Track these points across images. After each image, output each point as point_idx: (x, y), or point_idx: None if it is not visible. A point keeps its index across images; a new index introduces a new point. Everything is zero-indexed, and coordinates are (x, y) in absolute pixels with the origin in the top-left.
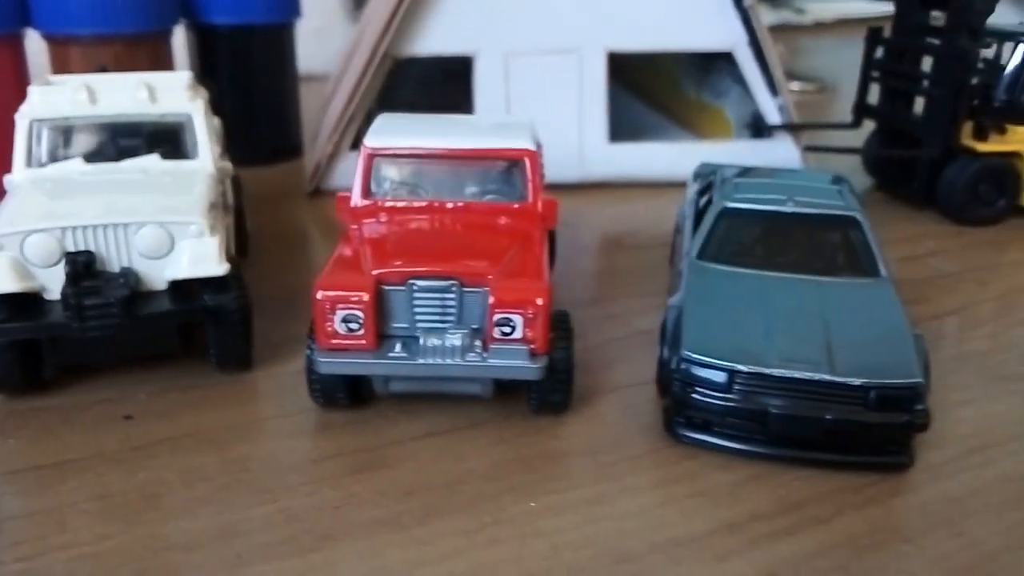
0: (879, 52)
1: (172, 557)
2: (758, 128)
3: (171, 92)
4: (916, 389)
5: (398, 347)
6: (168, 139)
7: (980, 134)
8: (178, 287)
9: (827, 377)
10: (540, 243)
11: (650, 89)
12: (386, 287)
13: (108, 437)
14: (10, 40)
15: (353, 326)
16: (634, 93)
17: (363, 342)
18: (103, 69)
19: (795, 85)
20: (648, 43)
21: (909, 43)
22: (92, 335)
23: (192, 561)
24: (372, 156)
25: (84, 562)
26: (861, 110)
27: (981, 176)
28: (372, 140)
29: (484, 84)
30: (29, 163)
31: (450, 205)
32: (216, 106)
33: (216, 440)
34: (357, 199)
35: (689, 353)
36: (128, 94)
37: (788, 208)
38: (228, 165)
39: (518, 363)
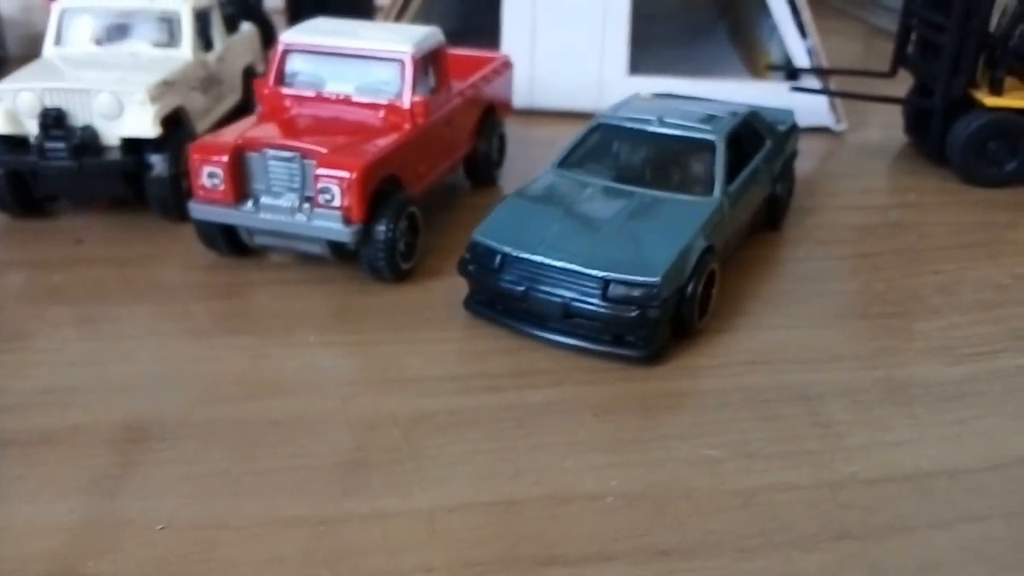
0: None
1: (39, 325)
2: (791, 71)
3: None
4: (651, 287)
5: (250, 204)
6: (163, 29)
7: (995, 87)
8: (128, 143)
9: (573, 266)
10: (403, 134)
11: (739, 27)
12: (248, 153)
13: (56, 251)
14: None
15: (216, 181)
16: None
17: (222, 195)
18: None
19: None
20: None
21: None
22: (51, 172)
23: (37, 330)
24: (283, 50)
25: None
26: (899, 59)
27: (989, 133)
28: (286, 36)
29: (511, 9)
30: (56, 42)
31: (333, 97)
32: (254, 13)
33: (129, 263)
34: (268, 84)
35: (477, 236)
36: None
37: (651, 128)
38: (213, 55)
39: (333, 226)
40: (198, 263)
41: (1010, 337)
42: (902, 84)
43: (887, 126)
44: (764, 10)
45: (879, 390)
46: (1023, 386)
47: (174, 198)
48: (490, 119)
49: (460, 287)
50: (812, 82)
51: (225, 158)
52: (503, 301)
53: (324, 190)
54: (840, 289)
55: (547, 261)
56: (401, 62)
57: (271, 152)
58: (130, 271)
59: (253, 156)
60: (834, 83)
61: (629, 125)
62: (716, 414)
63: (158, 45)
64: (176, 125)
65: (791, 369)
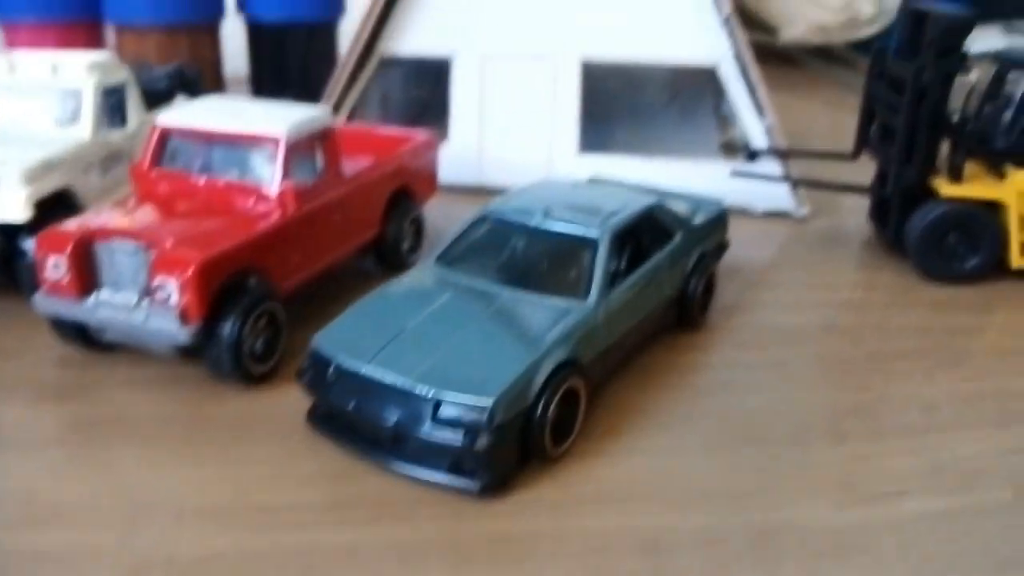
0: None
1: None
2: (750, 152)
3: (72, 70)
4: (482, 410)
5: (92, 299)
6: (64, 106)
7: (954, 174)
8: (3, 228)
9: (403, 382)
10: (268, 224)
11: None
12: (97, 244)
13: None
14: (89, 26)
15: (60, 272)
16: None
17: (66, 288)
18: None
19: None
20: (625, 54)
21: (892, 66)
22: None
23: None
24: (159, 131)
25: None
26: (862, 141)
27: (947, 224)
28: (162, 117)
29: (460, 86)
30: None
31: (201, 181)
32: (192, 87)
33: None
34: (142, 166)
35: (315, 342)
36: (37, 68)
37: (533, 222)
38: (117, 135)
39: (167, 326)
40: (54, 358)
41: (925, 473)
42: (868, 166)
43: (853, 212)
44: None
45: (743, 540)
46: (923, 541)
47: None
48: (402, 202)
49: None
50: (771, 164)
51: (68, 248)
52: (340, 418)
53: (160, 286)
54: (741, 406)
55: (376, 375)
56: (274, 145)
57: (116, 243)
58: None
59: (100, 246)
60: (797, 166)
61: (512, 218)
62: (542, 566)
63: (58, 122)
64: (62, 207)
65: (649, 510)
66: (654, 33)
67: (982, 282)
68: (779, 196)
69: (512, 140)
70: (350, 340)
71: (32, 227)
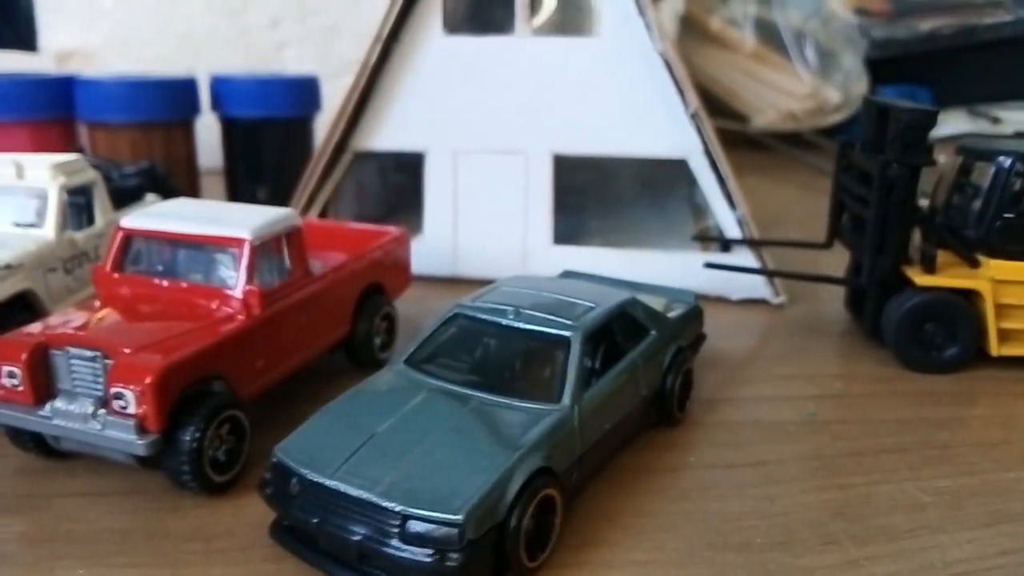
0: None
1: None
2: (725, 242)
3: (36, 170)
4: (452, 525)
5: (48, 407)
6: (28, 206)
7: (927, 264)
8: None
9: (367, 496)
10: (232, 327)
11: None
12: (53, 351)
13: None
14: (61, 123)
15: (15, 381)
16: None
17: (21, 397)
18: (79, 150)
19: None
20: (595, 147)
21: (858, 159)
22: None
23: None
24: (122, 234)
25: None
26: (833, 231)
27: (923, 314)
28: (126, 220)
29: (433, 180)
30: None
31: (164, 284)
32: (162, 185)
33: None
34: (104, 269)
35: (277, 452)
36: (2, 169)
37: (505, 321)
38: (83, 235)
39: (124, 436)
40: (10, 467)
41: None
42: (841, 256)
43: (830, 299)
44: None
45: None
46: None
47: None
48: (374, 298)
49: None
50: (746, 254)
51: (23, 357)
52: (304, 532)
53: (118, 395)
54: (723, 510)
55: (341, 488)
56: (238, 248)
57: (72, 350)
58: None
59: (57, 354)
60: (772, 254)
61: (483, 316)
62: None
63: (22, 222)
64: (22, 309)
65: None
66: (624, 126)
67: (963, 371)
68: (755, 284)
69: (486, 232)
70: (314, 450)
71: None
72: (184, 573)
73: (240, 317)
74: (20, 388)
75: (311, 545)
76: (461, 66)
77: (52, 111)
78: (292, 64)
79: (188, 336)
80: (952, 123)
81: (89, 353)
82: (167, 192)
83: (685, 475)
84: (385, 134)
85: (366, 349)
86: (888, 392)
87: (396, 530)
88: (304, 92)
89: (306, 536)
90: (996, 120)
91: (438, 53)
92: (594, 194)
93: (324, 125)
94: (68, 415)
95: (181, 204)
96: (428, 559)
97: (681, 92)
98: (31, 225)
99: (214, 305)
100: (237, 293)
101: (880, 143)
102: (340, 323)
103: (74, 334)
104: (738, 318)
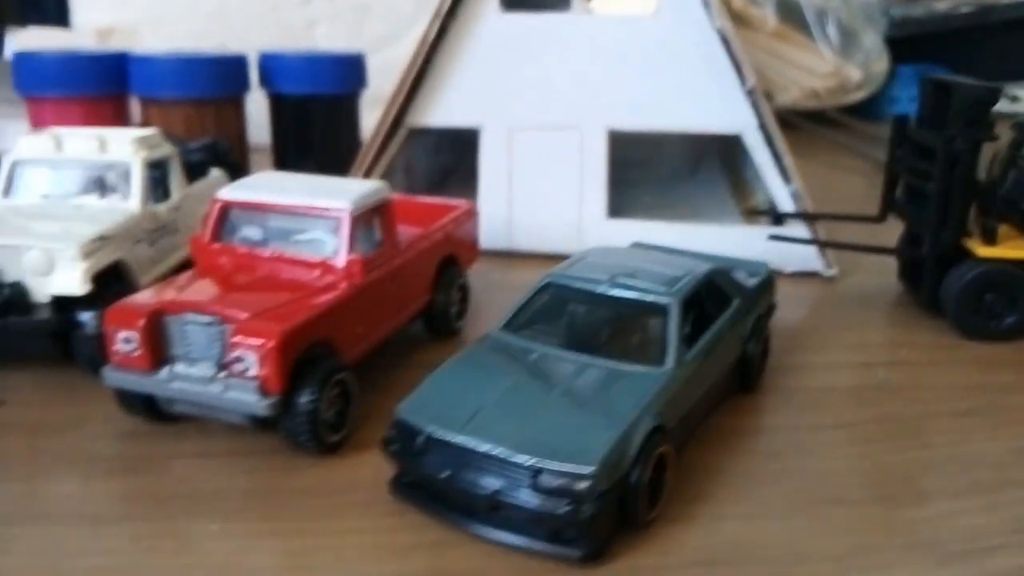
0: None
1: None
2: (776, 216)
3: (119, 144)
4: (585, 478)
5: (165, 371)
6: (112, 182)
7: (988, 236)
8: (59, 301)
9: (500, 451)
10: (337, 295)
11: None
12: (168, 317)
13: None
14: (115, 100)
15: (131, 347)
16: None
17: (138, 362)
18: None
19: None
20: (651, 123)
21: (920, 135)
22: None
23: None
24: (222, 206)
25: None
26: (887, 204)
27: (984, 284)
28: (224, 192)
29: (488, 156)
30: (5, 193)
31: (269, 254)
32: (225, 160)
33: (45, 429)
34: (204, 240)
35: (400, 412)
36: (84, 143)
37: (601, 289)
38: (165, 208)
39: (247, 398)
40: (118, 431)
41: (1009, 529)
42: (893, 228)
43: (881, 271)
44: (748, 155)
45: None
46: None
47: (103, 357)
48: (450, 269)
49: (389, 464)
50: (799, 227)
51: (140, 323)
52: (429, 486)
53: (239, 359)
54: (816, 468)
55: (472, 444)
56: (338, 219)
57: (189, 316)
58: (42, 440)
59: (171, 320)
60: (823, 228)
61: (579, 285)
62: None
63: (107, 196)
64: (115, 279)
65: (751, 572)
66: (680, 102)
67: (1020, 339)
68: (808, 257)
69: (540, 206)
70: (437, 408)
71: (86, 300)
72: (314, 527)
73: (342, 285)
74: (137, 353)
75: (433, 499)
76: (517, 43)
77: (105, 87)
78: (323, 41)
79: (299, 303)
80: None
81: (206, 319)
82: (229, 167)
83: (774, 436)
84: (440, 110)
85: (444, 319)
86: (950, 359)
87: (528, 483)
88: (351, 69)
89: (427, 490)
90: (1015, 99)
91: (494, 30)
92: (643, 168)
93: (369, 101)
94: (188, 378)
95: (273, 176)
96: (563, 509)
97: (738, 68)
98: (116, 198)
99: (316, 274)
100: (340, 262)
101: (938, 119)
102: (422, 293)
103: (190, 301)
104: (793, 290)
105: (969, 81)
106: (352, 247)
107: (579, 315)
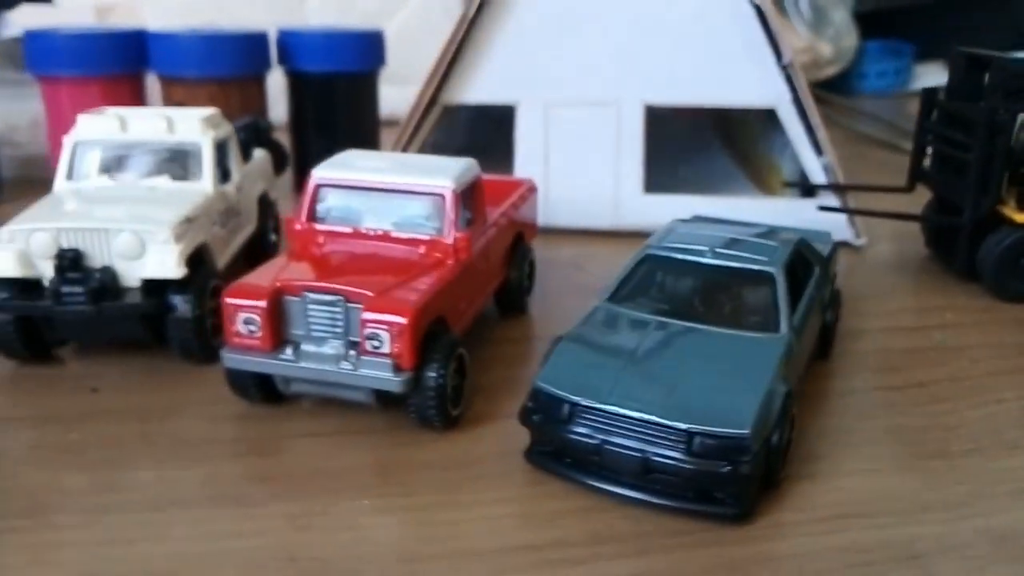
0: (935, 115)
1: (53, 498)
2: (807, 188)
3: (187, 124)
4: (741, 440)
5: (289, 351)
6: (180, 163)
7: (1023, 203)
8: (149, 284)
9: (654, 418)
10: (447, 271)
11: (739, 140)
12: (287, 297)
13: (70, 403)
14: (132, 78)
15: (252, 328)
16: (726, 144)
17: (259, 343)
18: (179, 104)
19: None
20: (686, 98)
21: (957, 107)
22: (67, 318)
23: (66, 503)
24: (316, 185)
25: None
26: (915, 174)
27: (1021, 249)
28: (320, 171)
29: (525, 132)
30: (68, 177)
31: (372, 232)
32: (266, 139)
33: (149, 415)
34: (299, 221)
35: (541, 384)
36: (151, 124)
37: (705, 259)
38: (231, 188)
39: (382, 375)
40: (224, 414)
41: None
42: (918, 198)
43: (902, 239)
44: (772, 128)
45: (985, 544)
46: None
47: (197, 340)
48: (520, 246)
49: (511, 434)
50: (830, 199)
51: (263, 303)
52: (573, 454)
53: (372, 336)
54: (909, 425)
55: (622, 411)
56: (442, 197)
57: (312, 296)
58: (151, 426)
59: (292, 300)
60: (850, 199)
61: (680, 256)
62: None
63: (176, 178)
64: (199, 262)
65: (886, 523)
66: (716, 77)
67: None
68: (839, 227)
69: (577, 182)
70: (576, 379)
71: (177, 284)
72: (459, 499)
73: (450, 262)
74: (258, 334)
75: (573, 466)
76: (554, 19)
77: (123, 66)
78: (314, 17)
79: (417, 280)
80: (932, 76)
81: (330, 298)
82: (270, 146)
83: (860, 398)
84: (476, 87)
85: (517, 295)
86: (993, 320)
87: (682, 446)
88: (372, 46)
89: (566, 458)
90: None
91: (532, 6)
92: (674, 142)
93: (388, 78)
94: (317, 357)
95: (359, 155)
96: (723, 469)
97: (774, 43)
98: (188, 180)
99: (421, 251)
100: (448, 239)
101: (971, 91)
102: (501, 269)
103: (310, 280)
104: None
105: (1008, 55)
106: (457, 224)
107: (684, 285)
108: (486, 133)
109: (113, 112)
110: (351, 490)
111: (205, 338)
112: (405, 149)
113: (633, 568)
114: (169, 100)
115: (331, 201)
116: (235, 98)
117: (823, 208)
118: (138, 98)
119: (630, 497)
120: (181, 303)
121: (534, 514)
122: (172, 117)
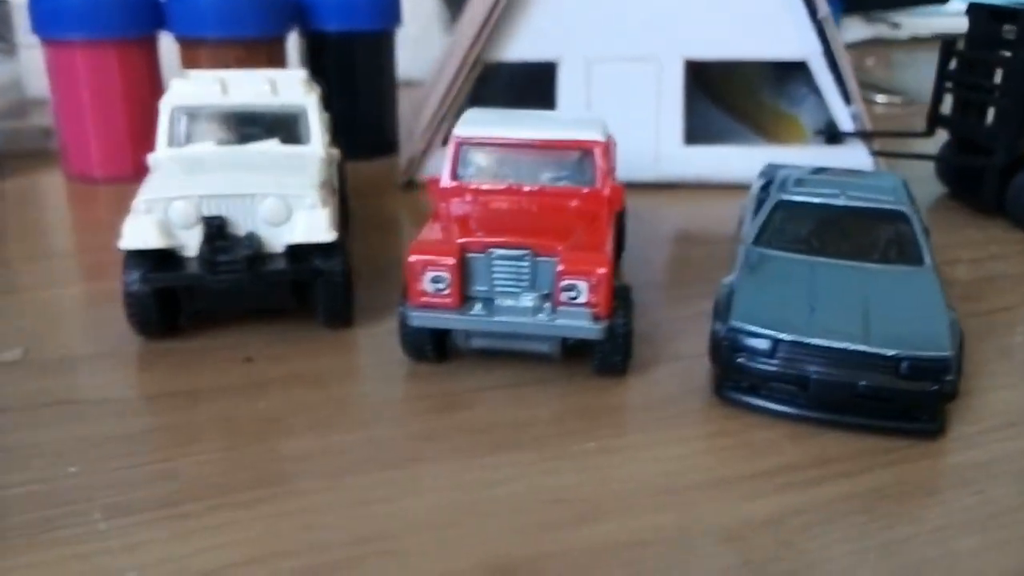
0: (953, 64)
1: (284, 466)
2: (832, 135)
3: (289, 86)
4: (945, 361)
5: (478, 307)
6: (286, 126)
7: None
8: (293, 251)
9: (863, 347)
10: (606, 222)
11: (728, 94)
12: (469, 254)
13: (232, 374)
14: (147, 41)
15: (440, 286)
16: (712, 98)
17: (448, 301)
18: (227, 67)
19: (881, 98)
20: (724, 52)
21: (980, 55)
22: (221, 287)
23: (300, 469)
24: (460, 144)
25: (211, 466)
26: (934, 120)
27: None
28: (461, 129)
29: (567, 88)
30: (170, 143)
31: (527, 188)
32: (325, 102)
33: (321, 381)
34: (446, 181)
35: (738, 323)
36: (254, 87)
37: (839, 201)
38: (335, 152)
39: (582, 324)
40: (395, 375)
41: None
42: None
43: (920, 181)
44: (782, 81)
45: None
46: None
47: (345, 304)
48: None
49: (683, 375)
50: (858, 144)
51: (452, 261)
52: (772, 387)
53: (569, 287)
54: (999, 343)
55: (829, 344)
56: (594, 151)
57: (497, 252)
58: (333, 389)
59: (476, 257)
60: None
61: (816, 200)
62: (1001, 487)
63: (284, 142)
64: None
65: None
66: (752, 31)
67: None
68: (864, 168)
69: (619, 136)
70: (770, 316)
71: (323, 248)
72: (662, 436)
73: (604, 213)
74: (447, 292)
75: (769, 398)
76: None
77: (140, 28)
78: None
79: (591, 231)
80: (853, 30)
81: (518, 252)
82: None
83: (965, 322)
84: (517, 44)
85: (619, 248)
86: None
87: (892, 371)
88: (389, 4)
89: (761, 391)
90: (895, 26)
91: None
92: (718, 94)
93: (404, 39)
94: (513, 311)
95: (490, 113)
96: (931, 389)
97: None
98: (297, 143)
99: (574, 204)
100: (604, 191)
101: (992, 41)
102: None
103: (492, 236)
104: None
105: None
106: (608, 177)
107: (823, 227)
108: (516, 89)
109: (211, 75)
110: (566, 435)
111: (351, 302)
112: (450, 108)
113: (871, 483)
114: (194, 63)
115: (472, 159)
116: (263, 60)
117: (878, 153)
118: (152, 61)
119: (840, 421)
120: (330, 267)
121: (751, 443)
122: (275, 79)
